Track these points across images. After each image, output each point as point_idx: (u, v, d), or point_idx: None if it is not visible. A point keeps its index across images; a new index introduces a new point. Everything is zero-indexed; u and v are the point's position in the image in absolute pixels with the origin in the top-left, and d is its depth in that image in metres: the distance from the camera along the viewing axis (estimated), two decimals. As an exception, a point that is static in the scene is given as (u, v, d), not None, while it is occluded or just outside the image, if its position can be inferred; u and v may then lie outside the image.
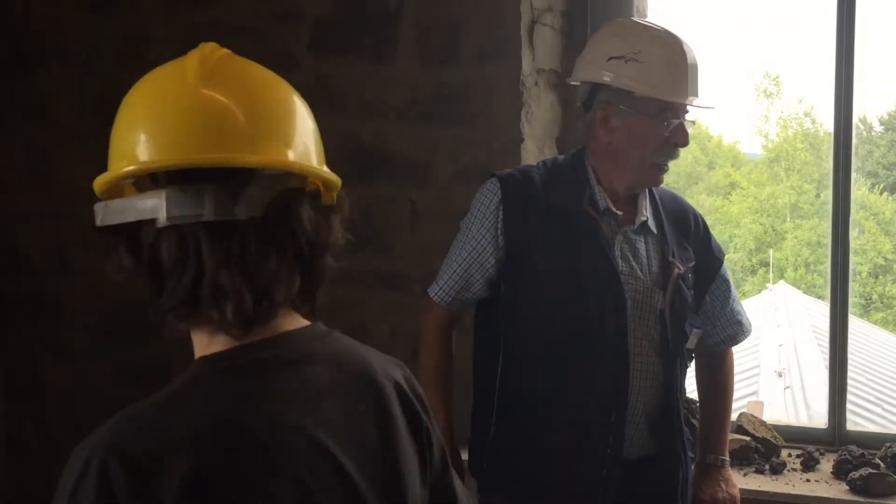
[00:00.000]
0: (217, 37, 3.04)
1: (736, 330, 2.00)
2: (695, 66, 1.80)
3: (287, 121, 1.00)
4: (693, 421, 2.16)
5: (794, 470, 2.33)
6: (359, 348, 1.11)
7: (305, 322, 1.02)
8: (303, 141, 0.99)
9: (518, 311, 1.82)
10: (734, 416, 2.47)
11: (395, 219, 2.58)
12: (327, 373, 1.01)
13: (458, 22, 2.45)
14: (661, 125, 1.77)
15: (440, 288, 1.88)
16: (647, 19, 1.91)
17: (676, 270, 1.83)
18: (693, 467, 2.02)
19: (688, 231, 1.92)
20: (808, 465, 2.34)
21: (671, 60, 1.77)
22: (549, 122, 2.56)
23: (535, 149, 2.50)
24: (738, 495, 2.01)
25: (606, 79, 1.79)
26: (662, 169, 1.82)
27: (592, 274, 1.77)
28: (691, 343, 1.91)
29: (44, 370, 3.01)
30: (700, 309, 1.95)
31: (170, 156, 0.92)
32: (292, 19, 2.60)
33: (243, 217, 0.91)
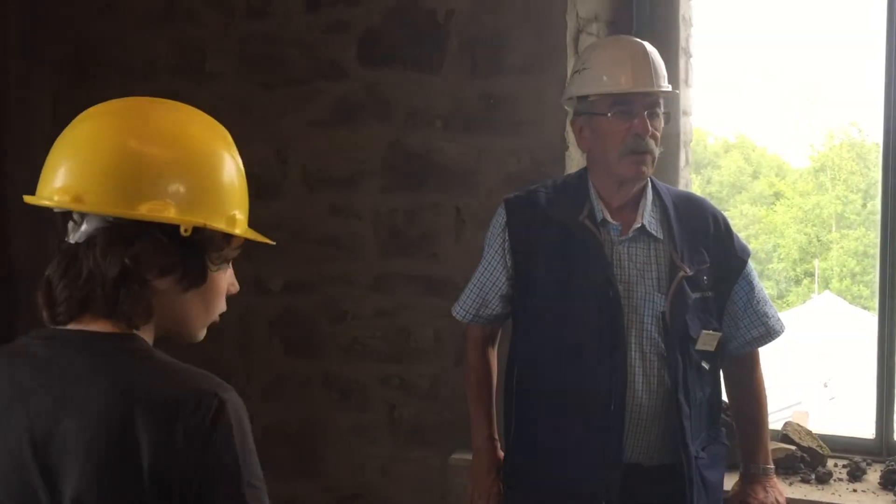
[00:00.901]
0: (269, 48, 3.16)
1: (762, 331, 1.98)
2: (641, 57, 1.88)
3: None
4: (726, 418, 2.14)
5: (841, 480, 2.32)
6: (145, 370, 1.16)
7: (104, 329, 1.14)
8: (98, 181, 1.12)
9: (526, 321, 1.97)
10: (779, 426, 2.47)
11: (441, 225, 2.62)
12: (28, 374, 1.13)
13: (505, 32, 2.49)
14: (620, 119, 1.86)
15: (460, 307, 2.08)
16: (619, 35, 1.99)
17: (681, 273, 1.87)
18: (738, 477, 2.05)
19: (704, 233, 1.94)
20: (855, 475, 2.32)
21: (615, 58, 1.90)
22: (593, 130, 2.59)
23: (580, 156, 2.53)
24: (784, 503, 2.01)
25: (569, 94, 1.96)
26: (638, 161, 1.86)
27: (587, 282, 1.87)
28: (704, 344, 1.90)
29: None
30: (725, 311, 1.96)
31: None
32: (342, 31, 2.67)
33: (74, 242, 1.15)
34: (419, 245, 2.66)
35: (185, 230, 1.13)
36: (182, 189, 1.14)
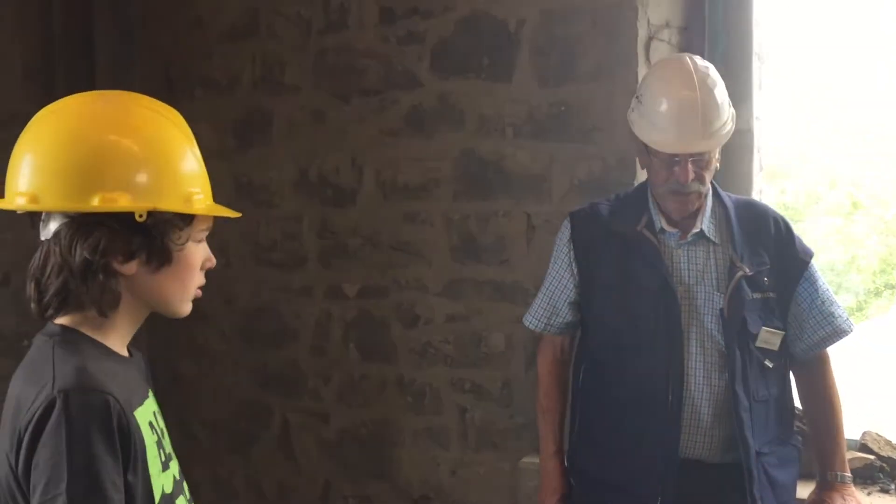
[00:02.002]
0: (345, 59, 3.25)
1: (829, 331, 1.99)
2: (688, 114, 1.88)
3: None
4: (800, 425, 2.14)
5: (923, 491, 2.26)
6: (28, 362, 1.23)
7: (70, 321, 1.22)
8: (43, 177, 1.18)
9: (589, 326, 2.08)
10: (858, 435, 2.42)
11: (512, 231, 2.66)
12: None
13: (575, 40, 2.52)
14: (664, 163, 1.92)
15: (532, 316, 2.16)
16: (686, 58, 1.96)
17: (740, 273, 1.92)
18: (815, 486, 2.04)
19: (765, 235, 1.99)
20: (938, 486, 2.26)
21: (665, 111, 1.91)
22: (664, 136, 2.59)
23: (651, 163, 2.54)
24: None
25: (629, 118, 2.01)
26: (681, 201, 1.93)
27: (645, 286, 1.94)
28: (765, 342, 1.93)
29: (184, 371, 3.24)
30: (789, 312, 1.98)
31: None
32: (415, 41, 2.74)
33: (44, 238, 1.21)
34: (490, 251, 2.70)
35: (140, 216, 1.17)
36: (133, 175, 1.17)
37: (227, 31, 3.04)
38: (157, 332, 3.20)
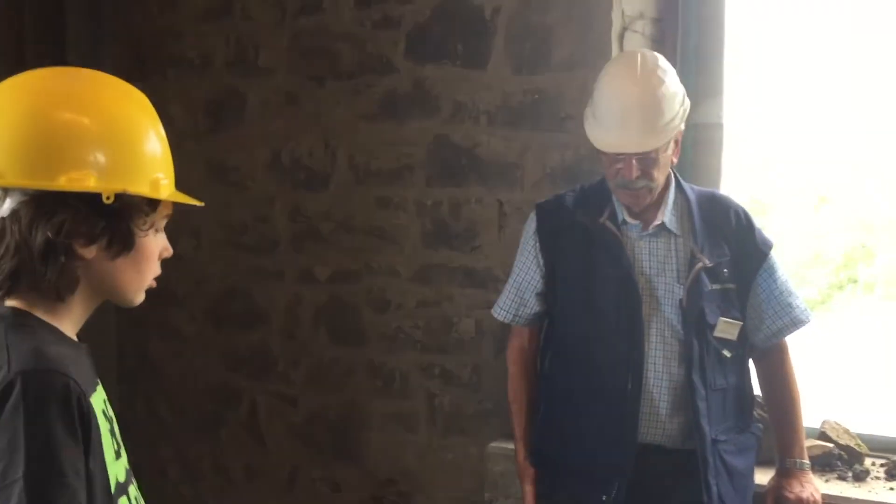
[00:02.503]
0: (319, 42, 3.24)
1: (786, 321, 2.03)
2: (632, 114, 1.89)
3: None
4: (761, 413, 2.18)
5: (878, 478, 2.31)
6: None
7: (22, 303, 1.18)
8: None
9: (554, 315, 2.11)
10: (818, 424, 2.47)
11: (484, 218, 2.68)
12: None
13: (550, 29, 2.53)
14: (611, 160, 1.96)
15: (501, 307, 2.19)
16: (637, 55, 1.97)
17: (700, 264, 1.95)
18: (774, 472, 2.09)
19: (725, 226, 2.02)
20: (893, 473, 2.31)
21: (610, 110, 1.93)
22: (636, 127, 2.61)
23: (622, 153, 2.56)
24: (819, 499, 2.03)
25: (585, 114, 2.02)
26: (631, 195, 1.96)
27: (608, 276, 1.99)
28: (723, 332, 1.97)
29: (153, 352, 3.22)
30: (748, 302, 2.02)
31: None
32: (391, 26, 2.74)
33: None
34: (462, 237, 2.71)
35: (108, 198, 1.12)
36: (102, 157, 1.13)
37: (200, 11, 3.01)
38: (126, 312, 3.18)
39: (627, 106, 1.91)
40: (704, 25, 2.51)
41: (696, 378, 1.94)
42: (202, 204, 1.28)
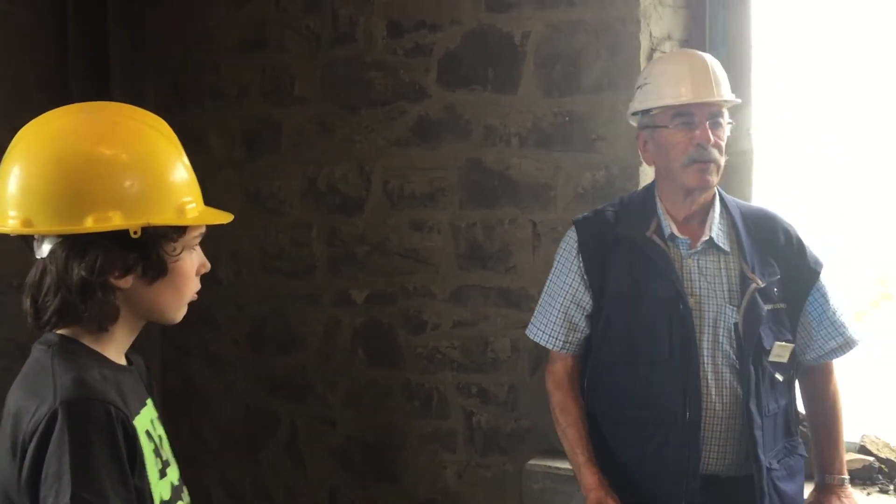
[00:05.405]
0: (353, 71, 3.30)
1: (839, 342, 1.98)
2: (700, 68, 1.91)
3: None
4: (803, 428, 2.15)
5: (921, 492, 2.31)
6: (27, 372, 1.24)
7: (71, 332, 1.24)
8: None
9: (598, 337, 2.00)
10: (857, 437, 2.47)
11: (518, 239, 2.72)
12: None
13: (579, 52, 2.58)
14: (682, 130, 1.90)
15: (546, 332, 2.04)
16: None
17: (753, 285, 1.89)
18: (813, 488, 2.06)
19: (774, 245, 1.96)
20: (936, 487, 2.31)
21: (674, 71, 1.93)
22: (666, 146, 2.65)
23: (652, 171, 2.59)
24: None
25: (632, 109, 2.01)
26: (702, 169, 1.89)
27: (656, 296, 1.90)
28: (777, 356, 1.91)
29: (195, 376, 3.29)
30: (799, 322, 1.96)
31: None
32: (423, 54, 2.80)
33: (39, 257, 1.22)
34: (496, 258, 2.75)
35: (135, 232, 1.16)
36: (124, 192, 1.16)
37: (235, 44, 3.10)
38: (170, 338, 3.26)
39: (695, 63, 1.92)
40: (731, 44, 2.55)
41: (752, 406, 1.86)
42: (231, 218, 1.30)
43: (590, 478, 1.94)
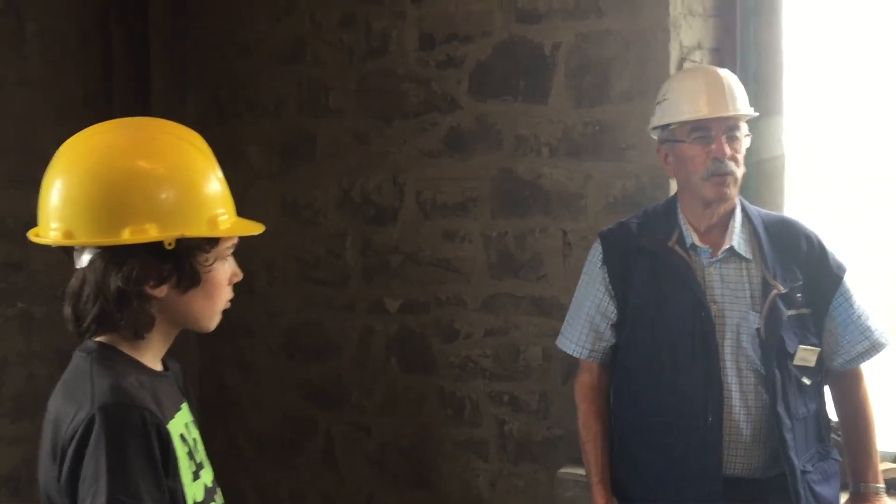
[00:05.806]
0: (386, 83, 3.36)
1: (866, 346, 1.99)
2: (716, 84, 1.96)
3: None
4: (834, 437, 2.14)
5: (960, 503, 2.27)
6: (68, 378, 1.29)
7: (109, 339, 1.29)
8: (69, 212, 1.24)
9: (622, 346, 2.06)
10: (893, 447, 2.44)
11: (548, 248, 2.74)
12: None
13: (609, 62, 2.60)
14: (699, 144, 1.95)
15: (574, 342, 2.11)
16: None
17: (775, 291, 1.92)
18: (848, 497, 2.06)
19: (796, 252, 1.99)
20: (976, 499, 2.26)
21: (691, 87, 1.99)
22: (697, 154, 2.65)
23: (684, 181, 2.60)
24: None
25: (652, 124, 2.07)
26: (720, 182, 1.94)
27: (678, 305, 1.95)
28: (802, 360, 1.93)
29: (231, 384, 3.35)
30: (825, 328, 1.98)
31: None
32: (454, 65, 2.84)
33: (79, 267, 1.27)
34: (528, 267, 2.77)
35: (169, 244, 1.22)
36: (159, 205, 1.21)
37: (273, 57, 3.17)
38: (206, 346, 3.33)
39: (711, 79, 1.98)
40: (762, 53, 2.54)
41: (780, 409, 1.89)
42: (262, 229, 1.34)
43: (598, 500, 2.05)
